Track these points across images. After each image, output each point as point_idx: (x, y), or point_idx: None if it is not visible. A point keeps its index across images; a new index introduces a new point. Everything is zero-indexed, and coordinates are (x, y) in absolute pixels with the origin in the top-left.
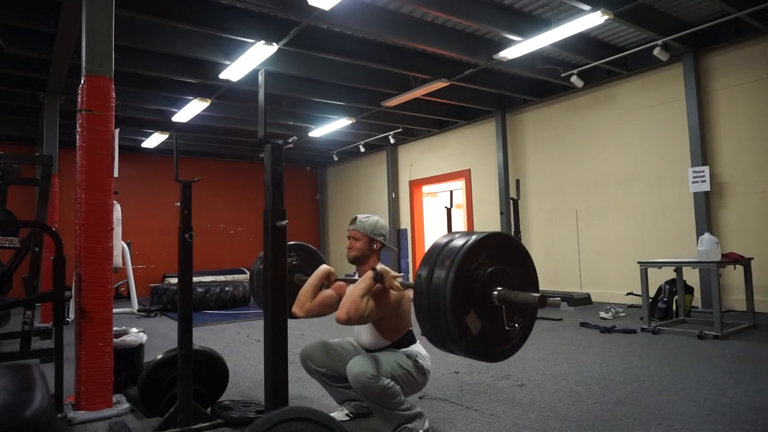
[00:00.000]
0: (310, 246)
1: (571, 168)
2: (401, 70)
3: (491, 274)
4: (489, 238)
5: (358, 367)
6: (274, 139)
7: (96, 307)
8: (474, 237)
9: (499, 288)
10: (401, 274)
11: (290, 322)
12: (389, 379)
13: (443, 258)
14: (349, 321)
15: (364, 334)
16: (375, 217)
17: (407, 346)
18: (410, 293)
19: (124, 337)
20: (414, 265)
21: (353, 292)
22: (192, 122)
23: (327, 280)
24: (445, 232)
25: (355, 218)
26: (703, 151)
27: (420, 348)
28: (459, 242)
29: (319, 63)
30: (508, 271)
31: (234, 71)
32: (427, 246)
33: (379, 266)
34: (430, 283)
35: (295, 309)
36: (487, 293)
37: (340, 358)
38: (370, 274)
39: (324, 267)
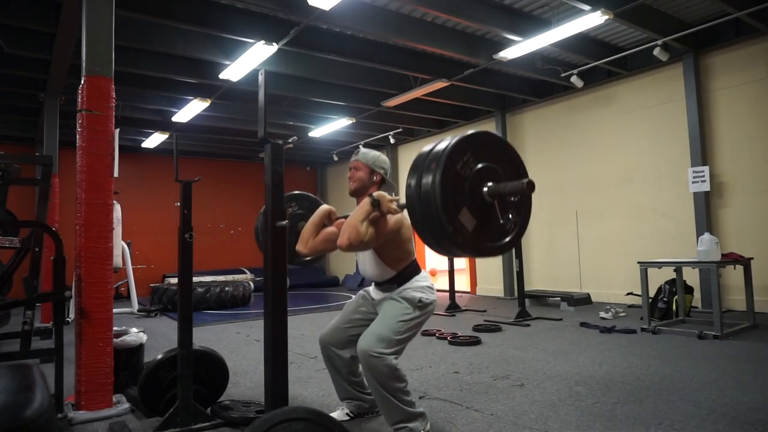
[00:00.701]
0: (310, 194)
1: (571, 168)
2: (401, 70)
3: (479, 172)
4: (472, 137)
5: (365, 342)
6: (274, 139)
7: (96, 307)
8: (457, 137)
9: (489, 183)
10: (397, 197)
11: (290, 321)
12: (397, 357)
13: (429, 162)
14: (351, 246)
15: (369, 267)
16: (378, 152)
17: (412, 277)
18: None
19: (124, 337)
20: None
21: (352, 218)
22: (192, 122)
23: (328, 219)
24: None
25: (358, 150)
26: (703, 151)
27: (424, 279)
28: (442, 145)
29: (319, 63)
30: (496, 168)
31: (234, 71)
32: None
33: (376, 193)
34: (420, 189)
35: (299, 247)
36: (477, 190)
37: (358, 332)
38: (367, 200)
39: (325, 206)
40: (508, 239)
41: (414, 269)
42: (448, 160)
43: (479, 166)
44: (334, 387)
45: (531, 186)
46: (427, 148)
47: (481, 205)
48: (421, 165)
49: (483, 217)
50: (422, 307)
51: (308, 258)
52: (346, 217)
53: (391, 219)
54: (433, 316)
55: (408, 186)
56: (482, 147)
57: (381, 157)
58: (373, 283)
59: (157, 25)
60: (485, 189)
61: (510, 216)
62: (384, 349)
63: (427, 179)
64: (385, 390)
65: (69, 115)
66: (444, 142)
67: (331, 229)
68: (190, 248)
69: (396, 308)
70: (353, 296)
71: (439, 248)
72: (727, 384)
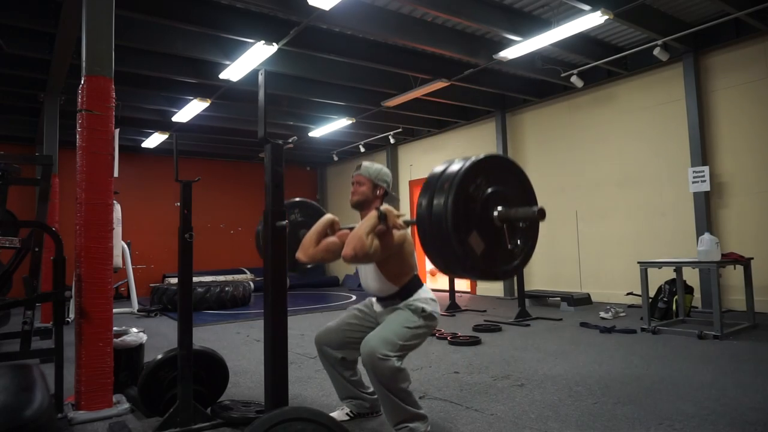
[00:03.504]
0: (313, 202)
1: (571, 168)
2: (401, 70)
3: (490, 195)
4: (486, 160)
5: (370, 345)
6: (274, 139)
7: (96, 307)
8: (472, 159)
9: (499, 208)
10: (404, 213)
11: (290, 321)
12: (400, 360)
13: (442, 183)
14: (355, 258)
15: (371, 281)
16: (380, 165)
17: (415, 291)
18: (412, 236)
19: (124, 337)
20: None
21: (358, 230)
22: (192, 122)
23: (331, 229)
24: None
25: (360, 164)
26: (703, 151)
27: (426, 292)
28: (456, 166)
29: (319, 63)
30: (506, 192)
31: (234, 71)
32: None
33: (383, 206)
34: (431, 209)
35: (299, 254)
36: (487, 214)
37: (354, 336)
38: (374, 213)
39: (328, 216)
40: (515, 264)
41: (416, 284)
42: (461, 182)
43: (490, 189)
44: (333, 387)
45: (542, 213)
46: (440, 168)
47: (491, 229)
48: (433, 185)
49: (491, 241)
50: (426, 317)
51: (308, 266)
52: (350, 228)
53: (396, 233)
54: None
55: (419, 205)
56: (494, 170)
57: (383, 170)
58: (375, 298)
59: (157, 25)
60: (495, 213)
61: (518, 242)
62: (389, 352)
63: (440, 200)
64: (389, 390)
65: (69, 115)
66: (457, 163)
67: (332, 239)
68: (190, 248)
69: (402, 316)
70: (353, 296)
71: (446, 270)
72: (727, 384)
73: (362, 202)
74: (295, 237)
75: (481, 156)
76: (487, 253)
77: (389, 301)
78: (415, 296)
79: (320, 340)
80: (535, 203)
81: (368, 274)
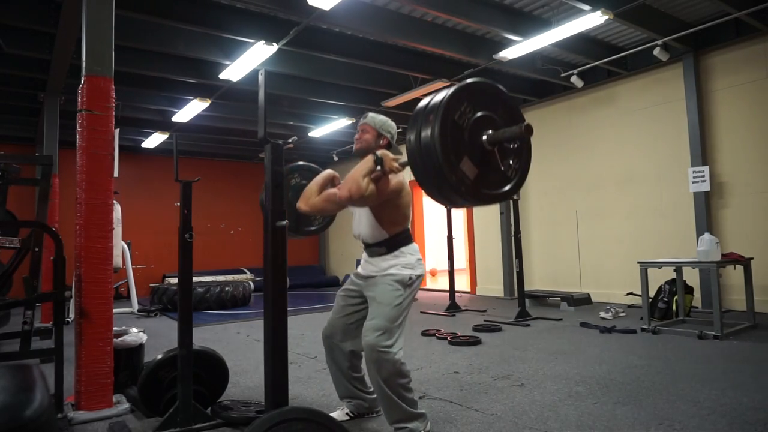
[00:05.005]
0: (312, 165)
1: (571, 168)
2: (401, 70)
3: (477, 121)
4: (468, 86)
5: (368, 340)
6: (274, 139)
7: (96, 307)
8: (453, 87)
9: (488, 131)
10: (400, 156)
11: (290, 321)
12: (400, 349)
13: (427, 114)
14: (350, 199)
15: (364, 225)
16: (385, 117)
17: (403, 245)
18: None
19: (124, 337)
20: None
21: (354, 172)
22: (192, 122)
23: (331, 184)
24: (445, 232)
25: (367, 114)
26: (703, 151)
27: (413, 251)
28: (439, 96)
29: (319, 63)
30: (493, 116)
31: (234, 71)
32: (427, 246)
33: (380, 151)
34: (420, 141)
35: (300, 204)
36: (476, 139)
37: (352, 319)
38: (371, 157)
39: (329, 170)
40: (509, 186)
41: (405, 238)
42: (445, 110)
43: (477, 114)
44: (334, 386)
45: (529, 129)
46: (423, 102)
47: (482, 154)
48: (419, 118)
49: (484, 166)
50: (411, 284)
51: (312, 228)
52: None
53: (393, 180)
54: (433, 316)
55: (408, 141)
56: (478, 95)
57: (388, 121)
58: (363, 245)
59: (157, 25)
60: (484, 137)
61: (511, 162)
62: (388, 342)
63: (427, 131)
64: (388, 387)
65: (69, 115)
66: (440, 93)
67: (333, 190)
68: (190, 248)
69: (387, 295)
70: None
71: (442, 199)
72: (727, 384)
73: (365, 150)
74: (296, 200)
75: (464, 82)
76: (481, 178)
77: (376, 248)
78: (399, 257)
79: (326, 333)
80: (522, 122)
81: (363, 218)
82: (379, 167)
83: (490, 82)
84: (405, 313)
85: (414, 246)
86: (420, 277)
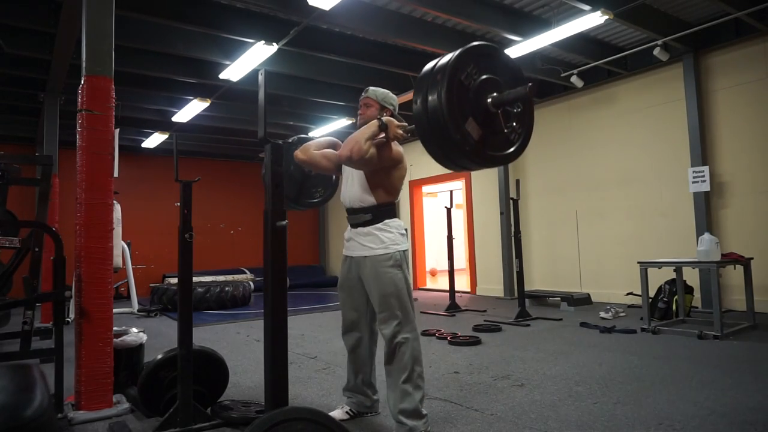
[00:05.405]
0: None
1: (571, 168)
2: (401, 70)
3: (483, 83)
4: (474, 48)
5: (387, 329)
6: (274, 139)
7: (96, 307)
8: (460, 49)
9: (493, 94)
10: (405, 123)
11: (290, 321)
12: (419, 335)
13: (434, 75)
14: (350, 159)
15: (354, 187)
16: (387, 90)
17: (386, 218)
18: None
19: (124, 337)
20: (415, 265)
21: (357, 134)
22: (192, 122)
23: (333, 148)
24: (445, 232)
25: (368, 88)
26: (703, 151)
27: (398, 226)
28: (446, 58)
29: (319, 63)
30: (498, 79)
31: (234, 71)
32: (428, 246)
33: (386, 118)
34: (426, 102)
35: (298, 152)
36: (481, 101)
37: (360, 310)
38: (375, 122)
39: (331, 138)
40: (513, 149)
41: (391, 211)
42: (453, 70)
43: (483, 77)
44: (347, 374)
45: (533, 90)
46: (430, 64)
47: (486, 116)
48: (426, 79)
49: (488, 127)
50: (403, 259)
51: (314, 201)
52: None
53: (394, 148)
54: (433, 316)
55: (414, 102)
56: (484, 58)
57: (390, 94)
58: (346, 232)
59: (157, 25)
60: (489, 99)
61: (514, 125)
62: (405, 329)
63: (434, 90)
64: (407, 374)
65: (69, 115)
66: (447, 56)
67: (332, 150)
68: (190, 248)
69: (386, 284)
70: None
71: (446, 161)
72: (727, 384)
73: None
74: (293, 179)
75: (470, 44)
76: (484, 139)
77: (362, 215)
78: (386, 232)
79: (347, 328)
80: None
81: (354, 180)
82: (383, 133)
83: (495, 47)
84: (409, 291)
85: (398, 221)
86: (405, 252)
